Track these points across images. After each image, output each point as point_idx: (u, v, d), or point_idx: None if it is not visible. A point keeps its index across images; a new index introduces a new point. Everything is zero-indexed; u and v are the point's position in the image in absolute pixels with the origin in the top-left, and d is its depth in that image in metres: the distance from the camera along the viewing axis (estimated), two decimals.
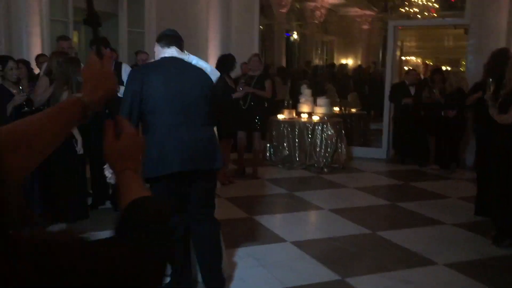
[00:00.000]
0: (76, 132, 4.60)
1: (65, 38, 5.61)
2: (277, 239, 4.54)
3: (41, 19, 7.11)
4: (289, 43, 16.38)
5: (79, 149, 4.63)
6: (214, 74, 3.33)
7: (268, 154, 8.05)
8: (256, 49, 9.43)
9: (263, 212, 5.41)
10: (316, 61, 17.21)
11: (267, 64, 11.07)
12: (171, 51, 3.07)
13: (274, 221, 5.08)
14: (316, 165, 7.72)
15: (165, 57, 3.07)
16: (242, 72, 7.74)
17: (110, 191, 5.26)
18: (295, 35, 16.84)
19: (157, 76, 2.99)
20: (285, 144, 7.86)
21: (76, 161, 4.75)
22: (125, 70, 5.27)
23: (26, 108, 4.43)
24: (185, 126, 2.99)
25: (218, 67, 6.40)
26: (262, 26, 14.36)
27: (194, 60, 3.23)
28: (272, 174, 7.32)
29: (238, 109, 6.72)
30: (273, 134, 7.99)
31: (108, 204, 5.35)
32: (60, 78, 4.46)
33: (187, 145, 2.97)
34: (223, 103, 6.20)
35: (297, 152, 7.79)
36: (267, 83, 6.80)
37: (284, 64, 14.41)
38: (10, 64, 4.35)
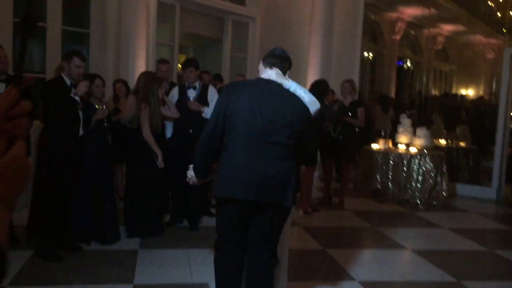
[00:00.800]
0: (156, 147, 4.74)
1: (163, 61, 5.86)
2: (346, 276, 4.21)
3: (147, 43, 7.57)
4: (401, 72, 15.72)
5: (160, 163, 4.76)
6: (314, 105, 3.01)
7: (359, 185, 7.67)
8: (356, 75, 9.15)
9: (339, 246, 5.10)
10: (433, 91, 16.27)
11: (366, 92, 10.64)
12: (270, 73, 2.94)
13: (347, 257, 4.74)
14: (410, 200, 7.17)
15: (262, 78, 2.97)
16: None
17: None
18: (408, 63, 16.12)
19: (246, 95, 2.84)
20: (377, 176, 7.43)
21: (158, 176, 4.88)
22: (211, 92, 5.33)
23: (106, 124, 4.66)
24: (261, 154, 2.79)
25: (312, 92, 6.26)
26: (372, 53, 14.02)
27: (293, 86, 2.96)
28: (360, 206, 6.93)
29: (327, 136, 6.51)
30: (366, 164, 7.61)
31: (185, 223, 5.40)
32: (141, 95, 4.65)
33: (257, 175, 2.77)
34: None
35: (390, 185, 7.31)
36: (360, 111, 6.50)
37: (393, 93, 13.82)
38: (97, 81, 4.63)
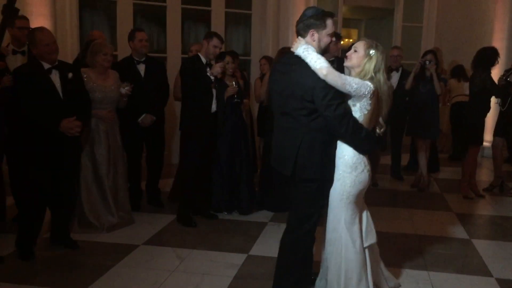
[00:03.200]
0: None
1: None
2: (482, 271, 3.65)
3: None
4: None
5: None
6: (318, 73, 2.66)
7: None
8: None
9: (488, 237, 4.45)
10: None
11: None
12: (296, 43, 2.82)
13: (492, 250, 4.09)
14: None
15: (287, 51, 3.14)
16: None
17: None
18: None
19: (272, 72, 3.10)
20: None
21: None
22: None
23: (236, 99, 4.82)
24: (278, 126, 2.97)
25: (476, 62, 5.52)
26: None
27: (301, 52, 2.72)
28: None
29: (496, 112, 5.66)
30: None
31: None
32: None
33: (275, 145, 3.01)
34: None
35: None
36: None
37: None
38: (227, 58, 4.81)
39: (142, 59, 4.86)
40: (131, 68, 4.80)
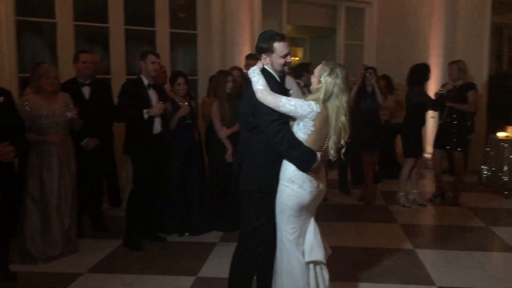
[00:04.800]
0: (226, 141, 4.78)
1: (251, 57, 5.85)
2: (425, 280, 3.76)
3: (252, 38, 7.64)
4: None
5: (228, 157, 4.79)
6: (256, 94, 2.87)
7: (484, 179, 6.80)
8: (485, 55, 8.13)
9: (432, 246, 4.59)
10: None
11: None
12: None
13: (436, 259, 4.23)
14: None
15: None
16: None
17: None
18: None
19: None
20: (505, 168, 6.50)
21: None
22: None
23: (188, 120, 4.80)
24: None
25: (411, 77, 5.76)
26: None
27: (250, 74, 2.94)
28: (481, 203, 6.14)
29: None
30: (491, 154, 6.71)
31: None
32: (211, 90, 4.73)
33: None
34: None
35: None
36: (471, 95, 5.74)
37: None
38: (179, 80, 4.79)
39: (87, 82, 4.77)
40: (75, 90, 4.69)
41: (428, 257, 4.27)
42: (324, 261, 3.01)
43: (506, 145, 6.50)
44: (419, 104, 5.65)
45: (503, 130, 6.77)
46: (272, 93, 2.81)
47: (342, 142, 2.88)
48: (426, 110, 5.83)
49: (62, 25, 6.32)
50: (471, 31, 8.23)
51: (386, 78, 7.04)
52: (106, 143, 4.94)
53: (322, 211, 5.49)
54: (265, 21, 8.09)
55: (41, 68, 4.18)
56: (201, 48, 7.59)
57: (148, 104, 4.42)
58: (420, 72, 5.70)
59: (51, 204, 4.14)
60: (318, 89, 2.86)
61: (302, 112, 2.76)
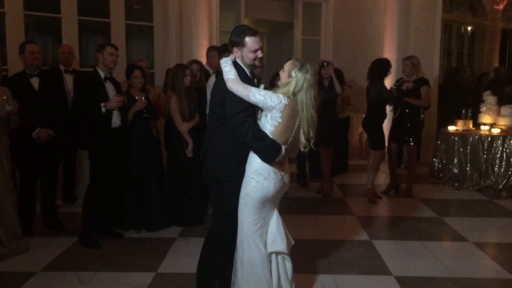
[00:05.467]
0: (187, 136, 4.73)
1: (213, 49, 5.83)
2: (383, 271, 3.86)
3: (210, 31, 7.58)
4: (507, 45, 14.10)
5: (189, 152, 4.74)
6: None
7: (435, 171, 7.04)
8: (437, 51, 8.40)
9: (387, 237, 4.72)
10: None
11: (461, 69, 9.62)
12: None
13: (392, 250, 4.34)
14: (494, 187, 6.41)
15: None
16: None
17: None
18: None
19: None
20: (455, 160, 6.75)
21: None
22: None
23: (144, 114, 4.70)
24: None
25: (371, 72, 5.86)
26: (472, 25, 12.73)
27: (222, 65, 3.02)
28: (433, 194, 6.36)
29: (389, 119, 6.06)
30: (442, 147, 6.95)
31: None
32: (169, 84, 4.66)
33: None
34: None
35: (469, 170, 6.61)
36: (424, 90, 5.92)
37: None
38: (136, 72, 4.69)
39: (35, 72, 4.60)
40: (22, 82, 4.52)
41: (384, 247, 4.38)
42: (287, 252, 3.05)
43: (456, 138, 6.74)
44: (380, 98, 5.74)
45: (454, 124, 7.02)
46: (240, 82, 2.87)
47: (311, 134, 2.95)
48: (386, 104, 5.93)
49: (11, 14, 6.05)
50: (423, 28, 8.49)
51: (338, 72, 7.15)
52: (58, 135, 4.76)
53: (281, 204, 5.53)
54: (223, 15, 8.05)
55: None
56: (158, 41, 7.47)
57: (105, 98, 4.31)
58: (381, 67, 5.79)
59: None
60: (288, 83, 2.91)
61: (271, 103, 2.81)
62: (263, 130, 2.89)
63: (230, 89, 2.86)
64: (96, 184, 4.39)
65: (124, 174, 4.62)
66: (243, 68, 3.02)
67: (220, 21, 7.84)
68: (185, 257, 4.11)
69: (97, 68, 4.40)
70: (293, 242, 3.18)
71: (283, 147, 2.89)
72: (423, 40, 8.45)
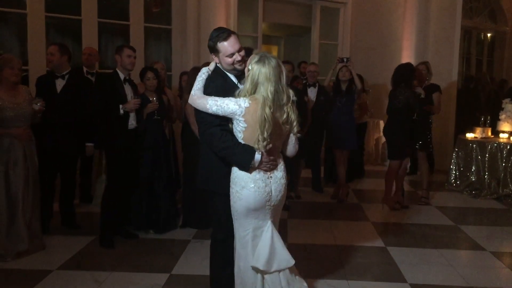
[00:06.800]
0: None
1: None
2: (397, 278, 3.82)
3: None
4: None
5: None
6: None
7: (452, 178, 6.96)
8: (456, 58, 8.31)
9: (403, 244, 4.65)
10: None
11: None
12: None
13: (407, 257, 4.29)
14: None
15: None
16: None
17: None
18: None
19: None
20: (473, 168, 6.66)
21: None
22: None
23: (156, 116, 4.73)
24: None
25: (395, 78, 5.71)
26: (492, 32, 12.58)
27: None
28: (450, 202, 6.29)
29: None
30: (459, 155, 6.87)
31: None
32: (185, 87, 4.68)
33: None
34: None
35: (487, 178, 6.52)
36: (436, 96, 5.85)
37: None
38: (149, 74, 4.73)
39: (61, 74, 4.67)
40: (47, 83, 4.63)
41: (399, 254, 4.33)
42: (267, 270, 2.83)
43: (474, 145, 6.66)
44: (407, 105, 5.47)
45: (472, 131, 6.94)
46: (201, 95, 2.78)
47: (265, 135, 2.65)
48: (411, 111, 5.61)
49: (33, 16, 6.16)
50: (442, 34, 8.42)
51: (359, 78, 7.11)
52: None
53: (295, 209, 5.60)
54: (241, 18, 8.08)
55: (3, 58, 4.07)
56: (175, 44, 7.52)
57: (123, 99, 4.35)
58: (408, 73, 5.55)
59: (17, 199, 4.02)
60: (246, 78, 2.74)
61: (229, 110, 2.66)
62: (236, 136, 2.76)
63: (192, 105, 2.83)
64: (114, 184, 4.43)
65: (136, 175, 4.65)
66: (225, 74, 2.92)
67: (238, 25, 7.87)
68: (198, 259, 4.11)
69: (116, 69, 4.45)
70: (292, 262, 2.90)
71: (257, 152, 2.70)
72: (442, 46, 8.38)
